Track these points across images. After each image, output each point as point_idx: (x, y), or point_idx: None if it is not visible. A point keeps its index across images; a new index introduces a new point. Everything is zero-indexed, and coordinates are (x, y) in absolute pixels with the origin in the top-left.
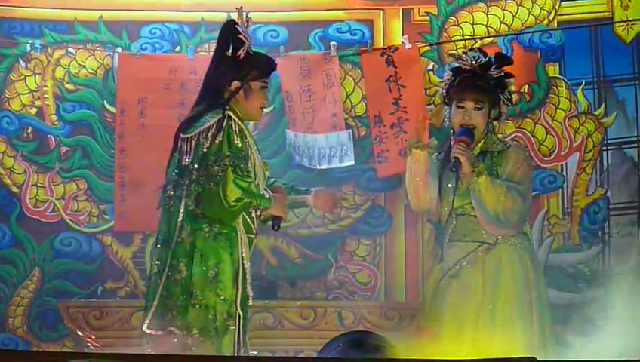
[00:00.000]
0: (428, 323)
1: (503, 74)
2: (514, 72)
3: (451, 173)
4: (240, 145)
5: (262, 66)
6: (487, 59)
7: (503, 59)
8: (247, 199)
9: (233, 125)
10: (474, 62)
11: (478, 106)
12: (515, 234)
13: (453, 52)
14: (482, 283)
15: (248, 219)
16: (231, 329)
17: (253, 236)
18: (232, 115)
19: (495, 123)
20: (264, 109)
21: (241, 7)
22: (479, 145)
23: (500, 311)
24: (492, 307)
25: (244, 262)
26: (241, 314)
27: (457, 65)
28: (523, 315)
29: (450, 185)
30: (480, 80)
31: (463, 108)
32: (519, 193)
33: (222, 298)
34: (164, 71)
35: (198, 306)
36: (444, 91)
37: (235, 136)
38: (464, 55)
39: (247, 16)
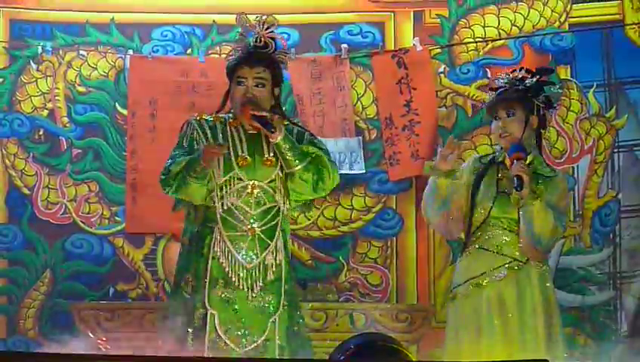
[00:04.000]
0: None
1: (534, 81)
2: None
3: (493, 181)
4: (186, 144)
5: (234, 60)
6: (521, 75)
7: (544, 70)
8: (172, 167)
9: (186, 127)
10: (512, 78)
11: (511, 112)
12: (543, 258)
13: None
14: (510, 298)
15: (230, 218)
16: (189, 330)
17: (244, 233)
18: (193, 120)
19: (543, 131)
20: None
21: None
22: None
23: (527, 331)
24: (517, 324)
25: (222, 260)
26: (214, 312)
27: (495, 87)
28: (548, 337)
29: (489, 194)
30: (514, 90)
31: (498, 118)
32: (562, 223)
33: (188, 297)
34: (176, 73)
35: (171, 308)
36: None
37: (185, 139)
38: (503, 74)
39: (241, 18)
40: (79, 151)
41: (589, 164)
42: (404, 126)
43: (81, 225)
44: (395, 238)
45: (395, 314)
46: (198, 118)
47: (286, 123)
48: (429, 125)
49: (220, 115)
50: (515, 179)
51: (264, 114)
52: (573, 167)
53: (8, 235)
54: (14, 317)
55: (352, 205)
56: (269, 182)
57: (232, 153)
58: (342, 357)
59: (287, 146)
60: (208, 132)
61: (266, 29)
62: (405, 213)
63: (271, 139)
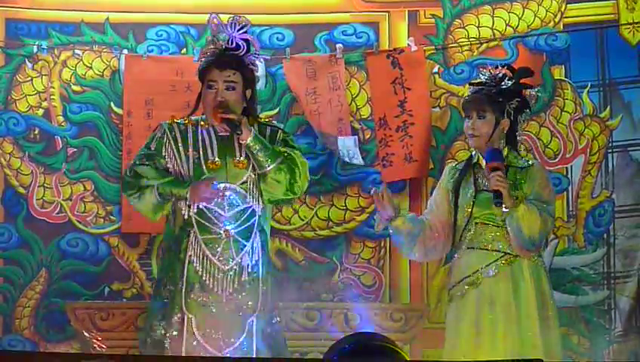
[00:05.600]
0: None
1: (510, 84)
2: None
3: (470, 182)
4: (154, 147)
5: (204, 63)
6: (502, 73)
7: (523, 72)
8: (140, 170)
9: (158, 130)
10: (492, 75)
11: (482, 115)
12: (536, 253)
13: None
14: (505, 293)
15: (204, 221)
16: (173, 333)
17: (219, 235)
18: (164, 124)
19: (517, 135)
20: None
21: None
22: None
23: (522, 324)
24: (514, 318)
25: (196, 264)
26: (191, 316)
27: (478, 80)
28: (543, 329)
29: (469, 195)
30: (484, 90)
31: (469, 117)
32: (549, 214)
33: (166, 301)
34: (171, 72)
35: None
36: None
37: (153, 141)
38: (486, 71)
39: (214, 20)
40: (74, 150)
41: (582, 164)
42: (398, 127)
43: (77, 224)
44: (388, 239)
45: (389, 314)
46: (170, 121)
47: (260, 122)
48: (423, 126)
49: (193, 118)
50: (494, 194)
51: (232, 116)
52: (567, 168)
53: (4, 234)
54: (10, 316)
55: (345, 205)
56: (241, 183)
57: (201, 157)
58: (336, 357)
59: (258, 147)
60: (178, 135)
61: (239, 30)
62: None
63: (240, 141)
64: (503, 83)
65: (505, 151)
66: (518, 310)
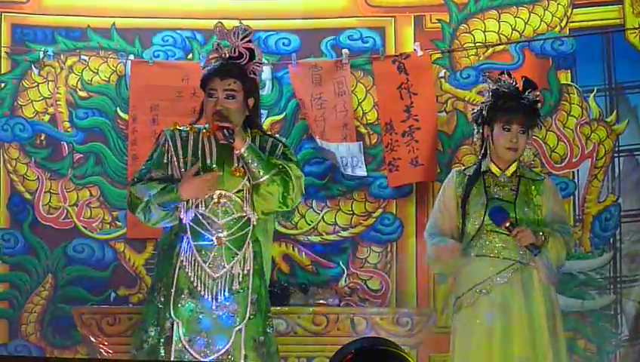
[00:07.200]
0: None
1: (537, 97)
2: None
3: (481, 190)
4: (155, 156)
5: (206, 72)
6: (519, 83)
7: (531, 84)
8: (141, 188)
9: (160, 138)
10: (512, 86)
11: (523, 129)
12: None
13: (486, 75)
14: (518, 300)
15: (198, 228)
16: (161, 340)
17: (211, 242)
18: (166, 131)
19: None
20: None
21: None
22: (512, 168)
23: (535, 331)
24: (526, 325)
25: (188, 269)
26: (179, 322)
27: (496, 87)
28: (552, 336)
29: (480, 204)
30: (526, 104)
31: (509, 130)
32: (570, 234)
33: (161, 307)
34: (177, 78)
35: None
36: (483, 112)
37: (156, 150)
38: (499, 78)
39: (220, 29)
40: (81, 155)
41: (589, 168)
42: (404, 132)
43: (83, 229)
44: (395, 243)
45: (396, 319)
46: (172, 128)
47: (264, 133)
48: (428, 131)
49: (196, 126)
50: (529, 249)
51: (226, 124)
52: (573, 172)
53: (10, 240)
54: (16, 322)
55: (352, 210)
56: (237, 192)
57: (200, 164)
58: None
59: (252, 157)
60: (179, 143)
61: (242, 39)
62: (405, 218)
63: (235, 150)
64: (530, 95)
65: (515, 166)
66: (530, 317)
